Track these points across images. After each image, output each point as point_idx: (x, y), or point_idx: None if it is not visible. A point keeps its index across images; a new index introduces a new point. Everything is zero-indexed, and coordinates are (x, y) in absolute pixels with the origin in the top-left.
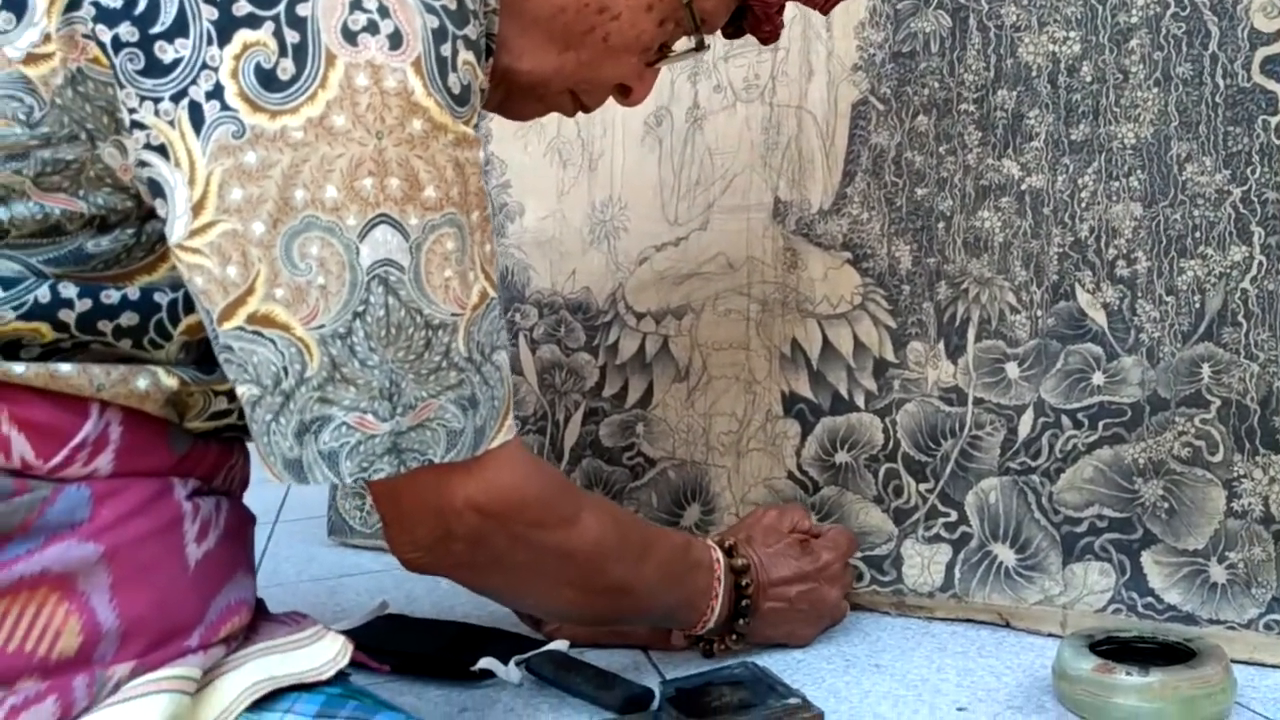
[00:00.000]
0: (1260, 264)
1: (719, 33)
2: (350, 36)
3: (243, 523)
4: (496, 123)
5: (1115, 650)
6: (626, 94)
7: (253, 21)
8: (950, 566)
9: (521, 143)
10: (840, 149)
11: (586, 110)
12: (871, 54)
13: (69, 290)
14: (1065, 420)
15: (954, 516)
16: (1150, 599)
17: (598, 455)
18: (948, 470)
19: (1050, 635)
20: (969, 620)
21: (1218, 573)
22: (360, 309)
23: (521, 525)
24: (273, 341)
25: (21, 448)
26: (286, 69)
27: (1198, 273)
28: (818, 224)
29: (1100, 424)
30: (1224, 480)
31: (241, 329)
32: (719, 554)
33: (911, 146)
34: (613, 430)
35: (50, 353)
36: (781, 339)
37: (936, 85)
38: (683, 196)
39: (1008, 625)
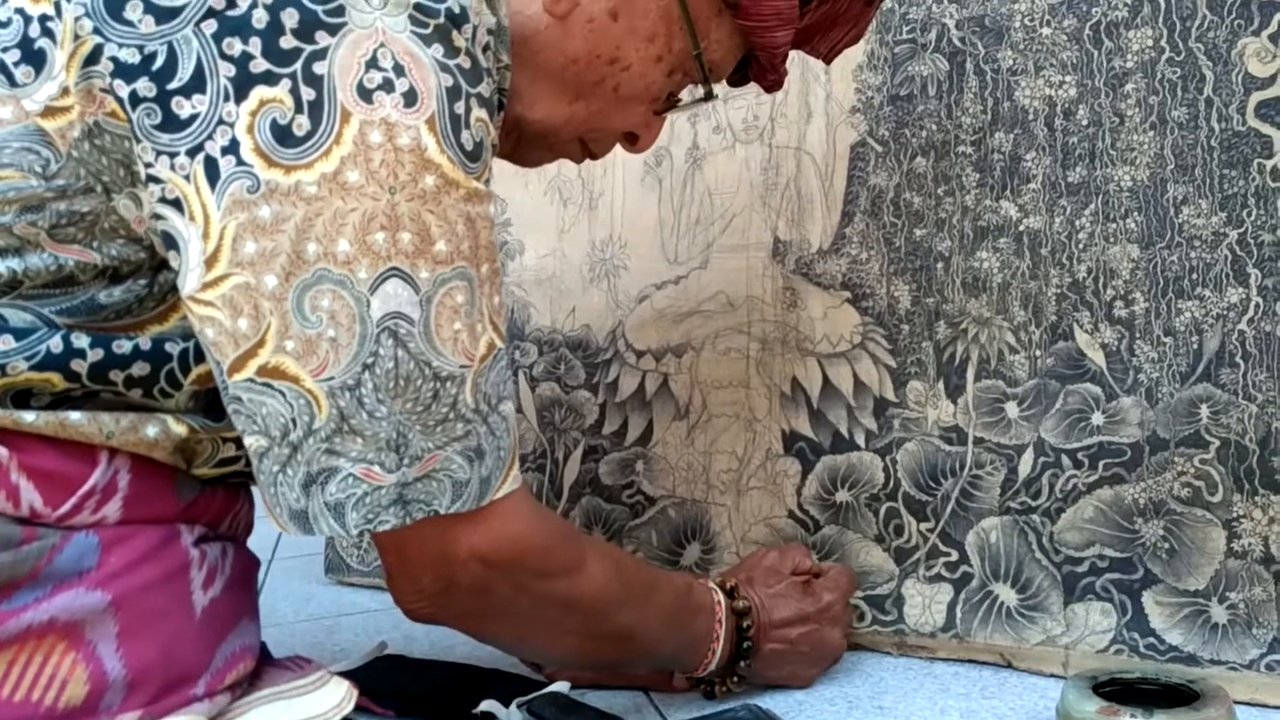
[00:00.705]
0: (1257, 305)
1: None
2: (365, 94)
3: (248, 568)
4: (497, 162)
5: (1119, 692)
6: (634, 141)
7: (270, 78)
8: (952, 606)
9: (522, 181)
10: (839, 190)
11: (594, 157)
12: (869, 97)
13: (81, 340)
14: (1065, 460)
15: (955, 556)
16: (1152, 639)
17: (597, 493)
18: (948, 510)
19: (1052, 676)
20: (971, 661)
21: (1219, 613)
22: (370, 361)
23: (526, 575)
24: (282, 393)
25: (30, 496)
26: (302, 125)
27: (1195, 314)
28: (817, 263)
29: (1100, 464)
30: (1224, 520)
31: (251, 380)
32: (720, 596)
33: (910, 187)
34: (612, 468)
35: (60, 401)
36: (781, 377)
37: (934, 127)
38: (682, 235)
39: (1010, 666)
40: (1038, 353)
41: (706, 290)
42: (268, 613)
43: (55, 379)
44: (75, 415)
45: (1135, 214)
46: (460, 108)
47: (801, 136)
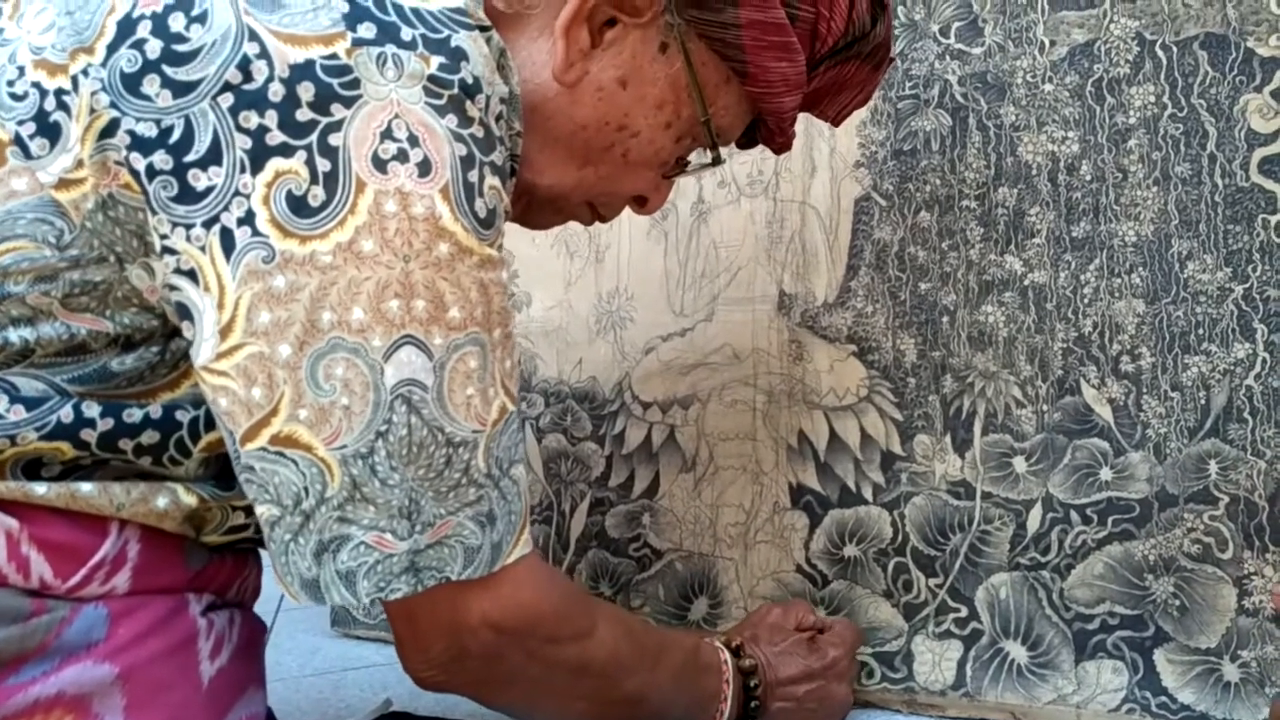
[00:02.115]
0: (1264, 361)
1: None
2: (380, 165)
3: (255, 635)
4: None
5: None
6: (643, 204)
7: (285, 150)
8: (961, 664)
9: (529, 234)
10: (844, 243)
11: (604, 220)
12: (873, 151)
13: (92, 410)
14: (1074, 515)
15: (964, 612)
16: (1164, 698)
17: (604, 546)
18: (957, 565)
19: None
20: (982, 719)
21: (1231, 671)
22: (383, 429)
23: (537, 641)
24: (295, 462)
25: (40, 568)
26: (317, 196)
27: (1202, 369)
28: (822, 316)
29: (1109, 520)
30: (1234, 578)
31: (264, 450)
32: (726, 655)
33: (914, 242)
34: (619, 521)
35: (70, 469)
36: (788, 430)
37: (938, 182)
38: (688, 288)
39: None
40: (1045, 407)
41: (712, 342)
42: (273, 666)
43: (65, 448)
44: (86, 487)
45: (1140, 269)
46: (474, 176)
47: (806, 190)
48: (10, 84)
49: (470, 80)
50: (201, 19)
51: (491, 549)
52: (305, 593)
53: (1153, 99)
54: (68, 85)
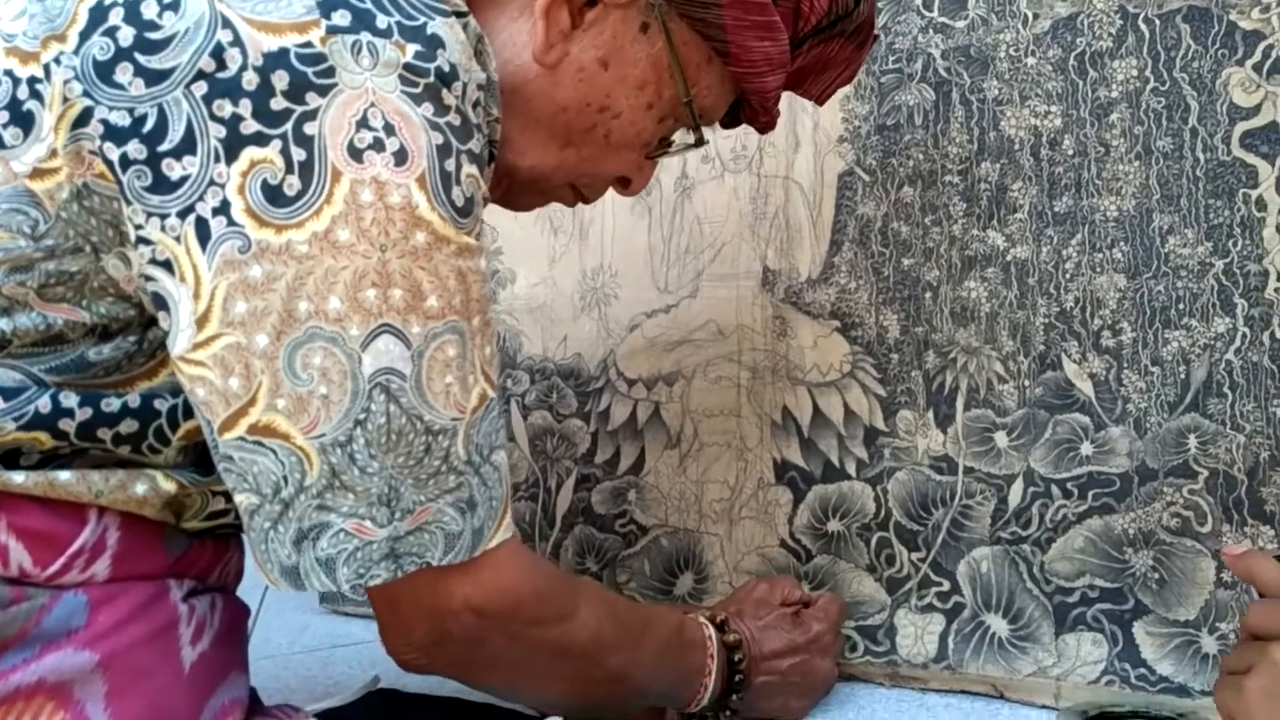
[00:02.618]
0: (1244, 335)
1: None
2: (356, 154)
3: (237, 619)
4: None
5: None
6: (626, 185)
7: (260, 139)
8: (944, 637)
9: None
10: (827, 219)
11: (586, 201)
12: (857, 126)
13: (70, 399)
14: (1055, 490)
15: (946, 586)
16: (1143, 670)
17: (590, 522)
18: (939, 539)
19: (1044, 707)
20: (963, 692)
21: (1209, 644)
22: (361, 417)
23: (519, 624)
24: (273, 451)
25: (19, 556)
26: (293, 185)
27: (1182, 344)
28: (806, 292)
29: (1090, 494)
30: (1213, 551)
31: (243, 439)
32: (711, 630)
33: (897, 217)
34: (605, 497)
35: (48, 459)
36: (772, 406)
37: (921, 157)
38: (673, 264)
39: (1002, 697)
40: (1026, 382)
41: (697, 319)
42: (262, 644)
43: (43, 438)
44: (64, 475)
45: (1122, 244)
46: (451, 165)
47: (790, 165)
48: None
49: (447, 68)
50: (174, 6)
51: (472, 534)
52: (285, 580)
53: (1135, 73)
54: (40, 73)
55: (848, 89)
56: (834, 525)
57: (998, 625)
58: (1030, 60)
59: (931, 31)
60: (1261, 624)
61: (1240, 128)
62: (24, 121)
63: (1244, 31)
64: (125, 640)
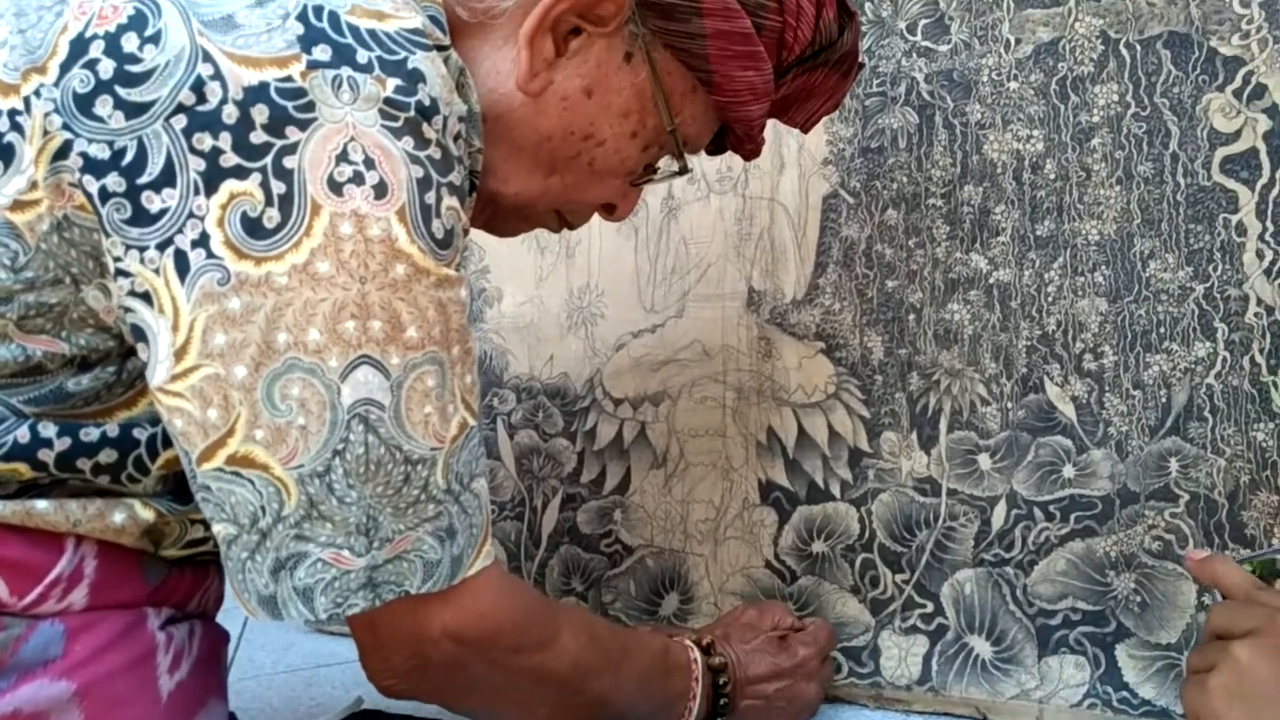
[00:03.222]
0: (1224, 360)
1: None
2: (336, 187)
3: (215, 646)
4: None
5: None
6: (611, 211)
7: (240, 173)
8: (927, 658)
9: None
10: (812, 240)
11: (571, 228)
12: (841, 149)
13: (48, 430)
14: (1037, 512)
15: (930, 608)
16: (1125, 693)
17: (575, 542)
18: (923, 561)
19: None
20: (947, 714)
21: None
22: (340, 447)
23: (499, 651)
24: (251, 481)
25: None
26: (272, 218)
27: (1163, 368)
28: (791, 313)
29: (1072, 516)
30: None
31: (220, 470)
32: (697, 654)
33: (881, 239)
34: (590, 517)
35: (27, 488)
36: (758, 427)
37: (905, 180)
38: (659, 284)
39: (985, 719)
40: (1009, 405)
41: (683, 339)
42: (245, 663)
43: (22, 469)
44: (42, 504)
45: (1103, 267)
46: (431, 197)
47: (775, 187)
48: None
49: (427, 102)
50: (155, 39)
51: (451, 562)
52: (263, 609)
53: (1116, 98)
54: (20, 105)
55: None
56: (819, 546)
57: (981, 647)
58: (1012, 85)
59: (915, 55)
60: (1224, 624)
61: (1220, 153)
62: (4, 154)
63: (1224, 57)
64: (102, 670)
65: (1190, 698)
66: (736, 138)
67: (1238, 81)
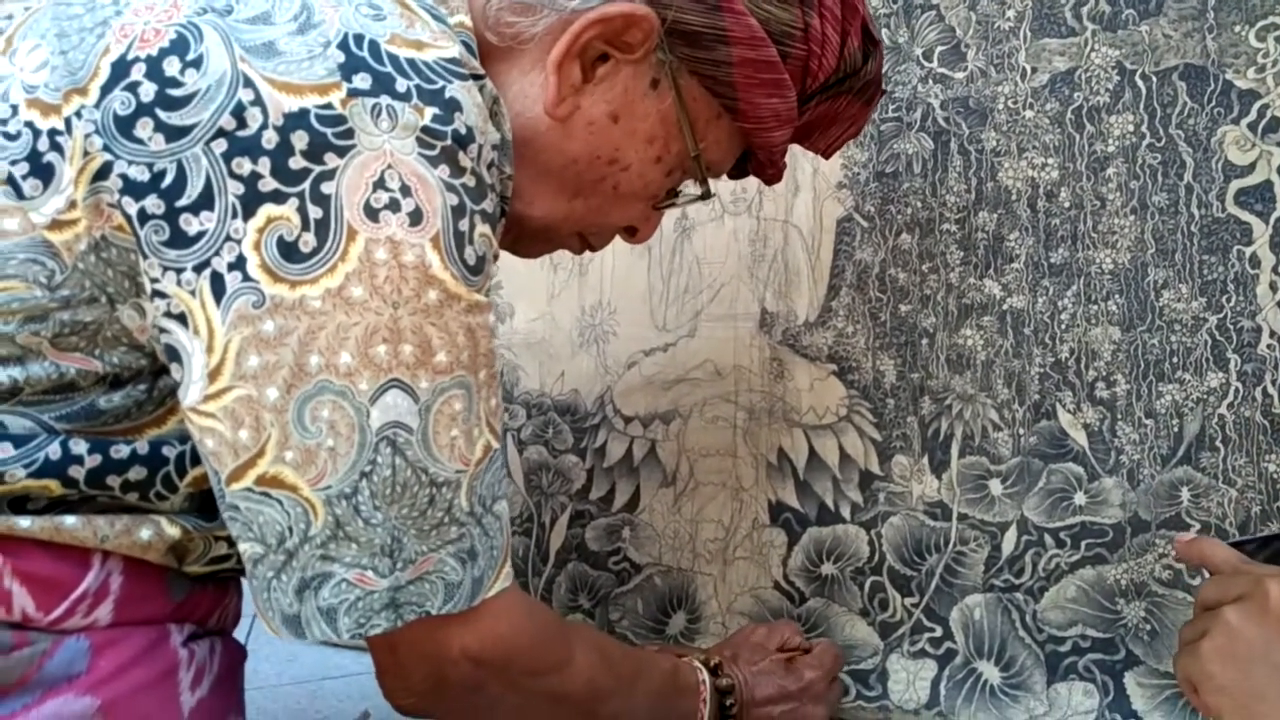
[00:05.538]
0: (1237, 390)
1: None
2: (372, 214)
3: (234, 663)
4: None
5: None
6: (633, 234)
7: (278, 197)
8: (936, 683)
9: None
10: (825, 263)
11: (594, 249)
12: (856, 173)
13: (79, 446)
14: (1048, 539)
15: (939, 632)
16: None
17: (583, 559)
18: (933, 585)
19: None
20: None
21: None
22: (367, 469)
23: (515, 673)
24: (279, 502)
25: (23, 601)
26: (308, 242)
27: (1176, 397)
28: (804, 335)
29: (1082, 544)
30: None
31: (250, 490)
32: (705, 675)
33: (895, 263)
34: (599, 534)
35: (55, 504)
36: (768, 447)
37: (919, 205)
38: (671, 304)
39: None
40: (1021, 431)
41: (694, 358)
42: (251, 674)
43: (53, 485)
44: (70, 520)
45: (1117, 296)
46: (464, 225)
47: (789, 210)
48: (3, 123)
49: (464, 131)
50: (197, 64)
51: (472, 584)
52: (286, 628)
53: (1131, 128)
54: (61, 126)
55: None
56: (828, 568)
57: (990, 673)
58: (1028, 113)
59: (931, 82)
60: (1213, 595)
61: (1235, 185)
62: (44, 173)
63: (1239, 90)
64: (126, 686)
65: (1184, 665)
66: (759, 162)
67: (1253, 114)
